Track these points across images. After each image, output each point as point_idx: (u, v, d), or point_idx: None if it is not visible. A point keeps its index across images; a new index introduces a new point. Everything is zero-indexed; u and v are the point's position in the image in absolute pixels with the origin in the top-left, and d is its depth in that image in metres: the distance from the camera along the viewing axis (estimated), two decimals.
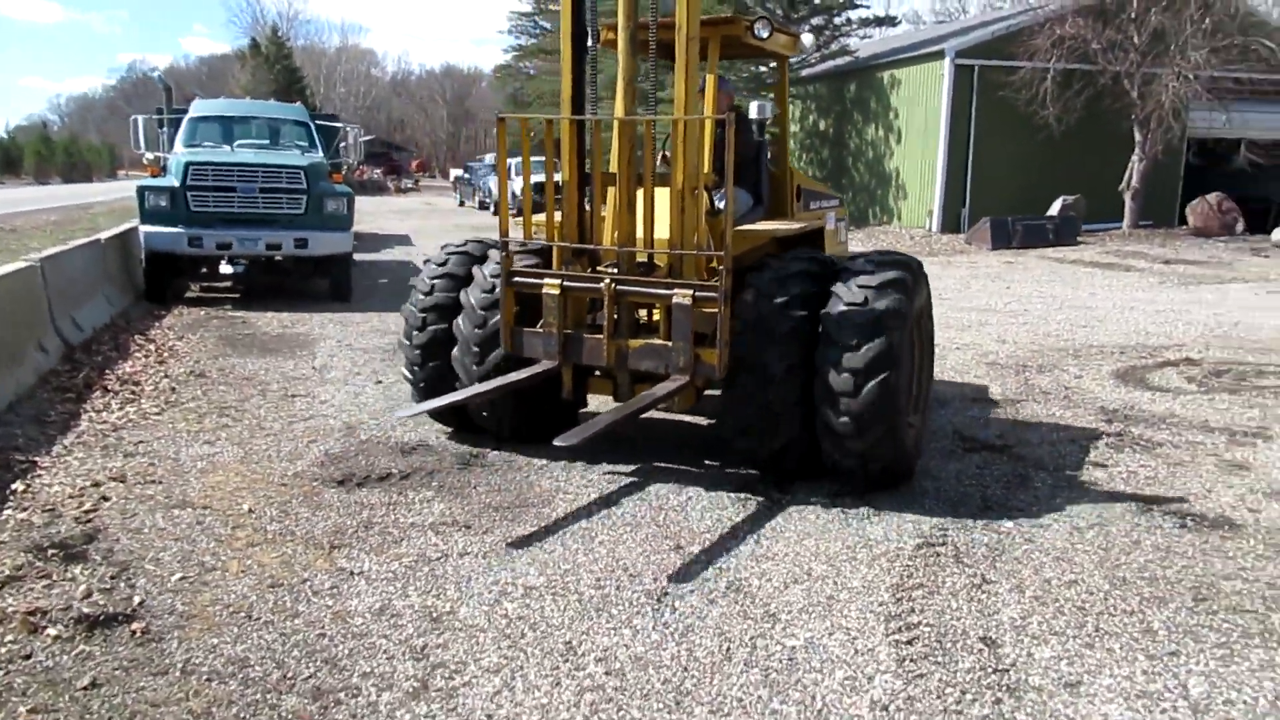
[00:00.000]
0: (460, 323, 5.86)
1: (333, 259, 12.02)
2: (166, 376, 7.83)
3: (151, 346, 8.96)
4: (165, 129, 13.53)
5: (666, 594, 4.08)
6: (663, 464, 5.81)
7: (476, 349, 5.74)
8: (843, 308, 5.06)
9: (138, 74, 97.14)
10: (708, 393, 5.95)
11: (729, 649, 3.63)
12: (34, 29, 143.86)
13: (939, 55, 23.86)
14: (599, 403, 6.20)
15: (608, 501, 5.16)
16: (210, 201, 11.36)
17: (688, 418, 6.84)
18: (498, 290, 5.63)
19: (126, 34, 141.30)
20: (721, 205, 5.59)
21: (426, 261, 6.28)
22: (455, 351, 5.89)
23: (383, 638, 3.66)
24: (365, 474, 5.52)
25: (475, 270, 5.99)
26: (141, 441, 6.02)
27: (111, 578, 4.08)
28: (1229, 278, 16.10)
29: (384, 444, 6.14)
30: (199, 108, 13.62)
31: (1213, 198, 22.19)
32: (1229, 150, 22.41)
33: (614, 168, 5.62)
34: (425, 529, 4.72)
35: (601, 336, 5.33)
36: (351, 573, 4.21)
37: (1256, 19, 22.47)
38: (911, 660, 3.56)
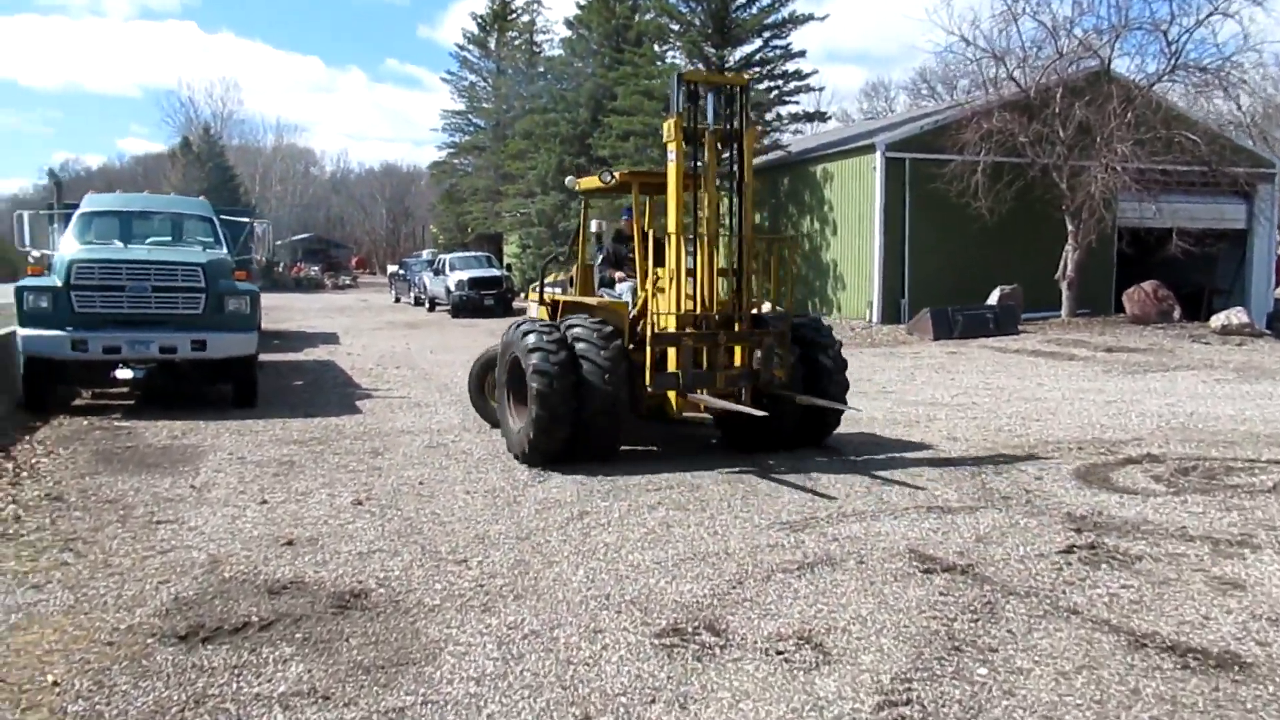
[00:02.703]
0: (589, 354, 7.94)
1: (235, 362, 11.07)
2: (14, 502, 6.82)
3: (8, 466, 7.92)
4: (56, 225, 12.61)
5: None
6: (572, 606, 4.97)
7: (608, 365, 7.92)
8: (826, 345, 8.86)
9: (70, 174, 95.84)
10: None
11: None
12: None
13: (870, 149, 23.93)
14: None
15: (506, 654, 4.29)
16: (97, 302, 10.43)
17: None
18: (613, 343, 8.06)
19: (62, 136, 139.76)
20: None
21: (530, 337, 8.08)
22: (587, 371, 7.89)
23: None
24: (217, 625, 4.59)
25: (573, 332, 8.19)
26: None
27: None
28: (1174, 365, 15.82)
29: (250, 583, 5.21)
30: (90, 202, 12.73)
31: (1148, 285, 22.23)
32: (1161, 239, 22.56)
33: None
34: (272, 702, 3.80)
35: (715, 370, 8.07)
36: None
37: (1178, 113, 22.92)
38: None
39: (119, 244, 11.66)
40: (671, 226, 8.18)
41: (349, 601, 4.93)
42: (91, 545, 5.84)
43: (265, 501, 6.98)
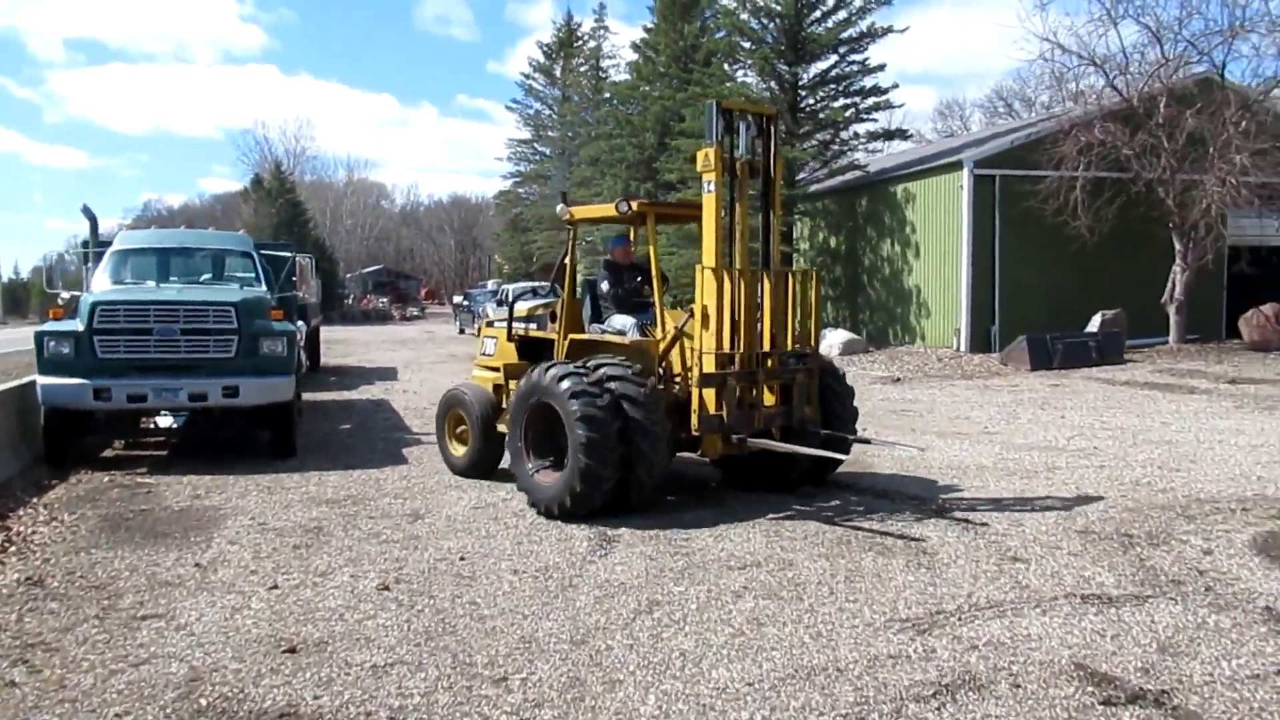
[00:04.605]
0: (632, 394, 7.32)
1: (270, 409, 10.09)
2: None
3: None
4: (90, 264, 11.85)
5: None
6: None
7: (653, 409, 7.36)
8: (832, 372, 8.53)
9: (153, 213, 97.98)
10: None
11: None
12: (61, 174, 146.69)
13: (956, 166, 22.45)
14: None
15: None
16: (122, 347, 9.52)
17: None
18: (651, 387, 7.49)
19: (149, 177, 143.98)
20: None
21: (567, 381, 7.41)
22: (632, 411, 7.27)
23: None
24: None
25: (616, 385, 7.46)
26: None
27: None
28: None
29: (229, 714, 4.08)
30: (124, 239, 11.93)
31: (1269, 308, 20.31)
32: None
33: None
34: None
35: (754, 410, 7.66)
36: None
37: None
38: None
39: (151, 284, 10.83)
40: (710, 261, 7.57)
41: None
42: (53, 654, 4.77)
43: (276, 587, 5.87)
